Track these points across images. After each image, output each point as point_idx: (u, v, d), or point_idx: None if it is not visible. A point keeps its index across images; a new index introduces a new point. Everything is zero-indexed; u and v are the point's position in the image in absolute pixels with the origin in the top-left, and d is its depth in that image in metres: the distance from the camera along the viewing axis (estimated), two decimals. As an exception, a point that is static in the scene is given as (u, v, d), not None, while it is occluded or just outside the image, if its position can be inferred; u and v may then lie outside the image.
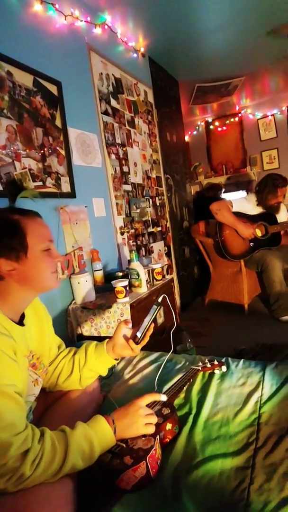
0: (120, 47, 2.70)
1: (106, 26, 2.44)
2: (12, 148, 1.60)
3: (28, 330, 0.92)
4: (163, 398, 0.94)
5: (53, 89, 1.90)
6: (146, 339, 1.00)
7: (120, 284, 1.76)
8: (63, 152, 1.94)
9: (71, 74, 2.08)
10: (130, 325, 1.05)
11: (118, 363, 1.38)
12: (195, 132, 5.61)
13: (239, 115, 5.23)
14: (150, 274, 2.10)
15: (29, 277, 0.84)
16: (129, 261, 1.97)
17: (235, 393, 1.10)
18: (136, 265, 1.93)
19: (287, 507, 0.69)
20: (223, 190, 4.79)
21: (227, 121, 5.32)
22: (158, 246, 3.06)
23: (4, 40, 1.61)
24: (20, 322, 0.88)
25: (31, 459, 0.67)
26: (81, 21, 2.17)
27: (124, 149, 2.62)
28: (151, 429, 0.84)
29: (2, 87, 1.58)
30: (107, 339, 1.07)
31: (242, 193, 4.56)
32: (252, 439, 0.89)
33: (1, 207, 0.87)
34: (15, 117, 1.64)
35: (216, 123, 5.39)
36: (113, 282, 1.80)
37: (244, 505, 0.71)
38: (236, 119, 5.26)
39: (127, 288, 1.79)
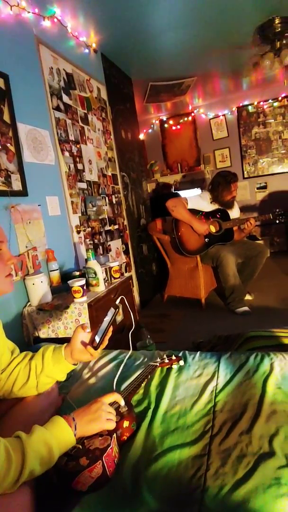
0: (71, 41, 2.64)
1: (55, 19, 2.38)
2: None
3: None
4: (123, 403, 0.94)
5: (0, 82, 1.81)
6: (105, 343, 0.99)
7: (77, 284, 1.73)
8: (12, 149, 1.86)
9: (19, 67, 2.00)
10: (88, 329, 1.03)
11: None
12: (150, 130, 5.66)
13: (192, 114, 5.36)
14: (108, 273, 2.09)
15: None
16: (86, 260, 1.94)
17: (192, 385, 1.13)
18: (93, 263, 1.91)
19: (240, 488, 0.72)
20: (173, 188, 5.01)
21: (181, 120, 5.43)
22: (115, 244, 3.05)
23: None
24: None
25: None
26: (28, 12, 2.09)
27: (78, 146, 2.57)
28: (112, 425, 0.84)
29: None
30: (65, 344, 1.04)
31: (196, 191, 4.69)
32: (208, 427, 0.92)
33: None
34: None
35: (171, 122, 5.48)
36: (69, 281, 1.76)
37: (201, 491, 0.74)
38: (190, 118, 5.39)
39: (85, 288, 1.77)
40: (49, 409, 1.04)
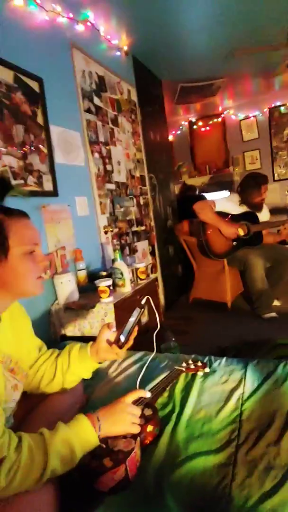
0: (103, 44, 2.67)
1: (88, 23, 2.42)
2: (-8, 145, 1.57)
3: (3, 334, 0.88)
4: (148, 394, 0.93)
5: (34, 85, 1.86)
6: (130, 342, 0.99)
7: (103, 284, 1.75)
8: (45, 150, 1.91)
9: (53, 70, 2.05)
10: (114, 328, 1.04)
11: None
12: (178, 132, 5.64)
13: (222, 115, 5.29)
14: (134, 273, 2.10)
15: (7, 281, 0.81)
16: (113, 261, 1.96)
17: (217, 391, 1.11)
18: (120, 264, 1.92)
19: (267, 501, 0.70)
20: (197, 191, 4.96)
21: (210, 122, 5.37)
22: (142, 245, 3.06)
23: (-17, 35, 1.57)
24: None
25: (6, 468, 0.65)
26: (63, 17, 2.14)
27: (107, 147, 2.60)
28: (136, 429, 0.83)
29: (-19, 82, 1.54)
30: (90, 342, 1.05)
31: (224, 193, 4.62)
32: (234, 436, 0.90)
33: None
34: (-5, 113, 1.60)
35: (200, 123, 5.44)
36: (96, 281, 1.78)
37: (226, 501, 0.72)
38: (219, 119, 5.32)
39: (111, 288, 1.78)
40: (74, 407, 1.06)
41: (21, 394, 0.94)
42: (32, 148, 1.82)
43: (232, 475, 0.78)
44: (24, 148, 1.76)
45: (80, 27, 2.33)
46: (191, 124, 5.52)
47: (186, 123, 5.55)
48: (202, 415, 1.01)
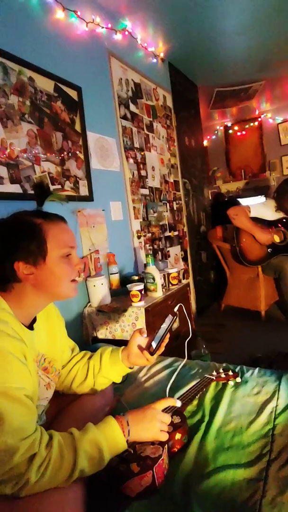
0: (140, 52, 2.72)
1: (126, 32, 2.47)
2: (32, 152, 1.64)
3: (38, 333, 0.91)
4: (178, 403, 0.92)
5: (73, 94, 1.93)
6: (161, 349, 0.99)
7: (135, 288, 1.76)
8: (81, 156, 1.97)
9: (91, 79, 2.12)
10: (145, 334, 1.04)
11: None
12: (213, 137, 5.58)
13: (259, 119, 5.17)
14: (166, 279, 2.09)
15: (45, 283, 0.83)
16: (145, 265, 1.97)
17: (249, 402, 1.08)
18: (152, 269, 1.93)
19: (301, 523, 0.67)
20: (226, 198, 4.92)
21: (247, 126, 5.27)
22: (174, 251, 3.05)
23: (27, 47, 1.65)
24: (30, 325, 0.88)
25: (37, 465, 0.66)
26: (102, 27, 2.20)
27: (142, 153, 2.63)
28: (165, 436, 0.83)
29: (24, 92, 1.62)
30: (122, 347, 1.06)
31: (260, 198, 4.50)
32: (265, 451, 0.87)
33: (28, 210, 0.87)
34: (36, 121, 1.68)
35: (235, 128, 5.35)
36: (128, 285, 1.80)
37: (256, 518, 0.70)
38: (256, 123, 5.20)
39: (143, 292, 1.79)
40: (104, 409, 1.07)
41: (53, 393, 0.97)
42: (70, 154, 1.88)
43: (263, 491, 0.76)
44: (62, 155, 1.82)
45: (118, 36, 2.38)
46: (226, 128, 5.45)
47: (222, 128, 5.48)
48: (232, 427, 0.98)
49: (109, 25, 2.28)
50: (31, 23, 1.72)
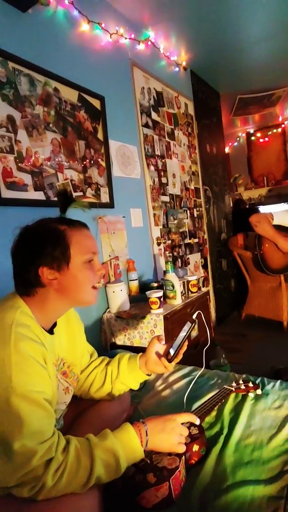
0: (162, 61, 2.75)
1: (149, 42, 2.51)
2: (56, 160, 1.68)
3: (58, 338, 0.92)
4: (197, 422, 0.91)
5: (96, 103, 1.97)
6: (180, 356, 0.98)
7: (154, 295, 1.76)
8: (103, 164, 2.00)
9: (114, 89, 2.15)
10: (163, 342, 1.03)
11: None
12: (235, 144, 5.54)
13: (282, 126, 5.10)
14: (185, 286, 2.08)
15: (68, 288, 0.85)
16: (165, 272, 1.97)
17: (270, 416, 1.05)
18: (171, 276, 1.92)
19: None
20: (247, 205, 4.82)
21: (269, 132, 5.20)
22: (194, 258, 3.03)
23: (53, 59, 1.70)
24: (51, 330, 0.89)
25: (53, 469, 0.67)
26: (126, 38, 2.25)
27: (163, 160, 2.64)
28: (182, 448, 0.82)
29: (49, 102, 1.67)
30: (140, 354, 1.06)
31: (283, 206, 4.41)
32: (287, 468, 0.84)
33: (52, 217, 0.89)
34: (60, 130, 1.72)
35: (258, 134, 5.29)
36: (147, 292, 1.80)
37: (276, 538, 0.67)
38: (279, 130, 5.13)
39: (162, 299, 1.79)
40: (121, 416, 1.07)
41: (72, 397, 0.98)
42: (92, 162, 1.91)
43: (284, 510, 0.73)
44: (84, 162, 1.86)
45: (141, 46, 2.42)
46: (249, 135, 5.39)
47: (244, 135, 5.44)
48: (252, 440, 0.95)
49: (132, 36, 2.32)
50: (57, 36, 1.77)
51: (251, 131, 5.35)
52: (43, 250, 0.82)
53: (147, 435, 0.80)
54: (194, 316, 0.99)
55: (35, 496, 0.65)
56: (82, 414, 1.02)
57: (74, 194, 1.78)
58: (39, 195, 1.59)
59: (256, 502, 0.76)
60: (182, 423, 0.85)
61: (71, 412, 1.01)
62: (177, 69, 2.94)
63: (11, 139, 1.47)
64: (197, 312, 1.02)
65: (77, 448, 0.72)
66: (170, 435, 0.81)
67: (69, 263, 0.84)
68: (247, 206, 4.98)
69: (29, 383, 0.71)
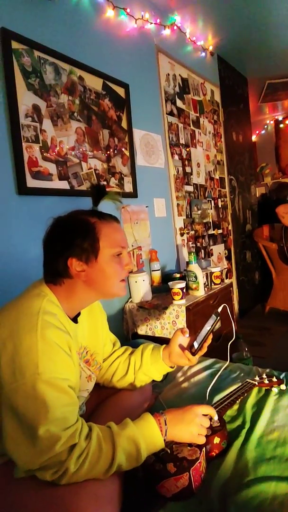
0: (188, 47, 2.67)
1: (175, 27, 2.44)
2: (80, 149, 1.68)
3: (81, 327, 0.93)
4: (216, 417, 0.90)
5: (120, 91, 1.95)
6: (204, 350, 0.97)
7: (177, 286, 1.75)
8: (127, 153, 1.98)
9: (138, 76, 2.12)
10: (187, 334, 1.02)
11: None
12: (263, 132, 5.35)
13: (314, 112, 4.87)
14: (208, 277, 2.05)
15: (95, 281, 0.85)
16: (188, 263, 1.94)
17: (294, 412, 1.02)
18: (194, 267, 1.90)
19: None
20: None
21: (300, 119, 4.98)
22: (218, 249, 2.98)
23: (78, 47, 1.69)
24: (75, 318, 0.90)
25: (76, 455, 0.68)
26: (151, 23, 2.19)
27: (187, 149, 2.59)
28: (202, 440, 0.81)
29: (74, 91, 1.66)
30: (164, 345, 1.05)
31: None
32: (312, 465, 0.82)
33: (84, 209, 0.89)
34: (84, 119, 1.71)
35: (287, 122, 5.08)
36: (170, 283, 1.79)
37: (299, 537, 0.66)
38: (310, 116, 4.91)
39: (184, 290, 1.77)
40: (142, 405, 1.07)
41: (94, 385, 0.99)
42: (116, 151, 1.90)
43: (308, 508, 0.71)
44: (108, 152, 1.85)
45: (166, 32, 2.36)
46: (277, 123, 5.19)
47: (272, 122, 5.24)
48: (275, 436, 0.93)
49: (158, 21, 2.26)
50: (82, 24, 1.75)
51: (280, 118, 5.15)
52: (72, 241, 0.82)
53: (166, 425, 0.79)
54: (219, 310, 0.97)
55: (57, 481, 0.67)
56: (104, 403, 1.04)
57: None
58: (64, 185, 1.60)
59: (278, 499, 0.74)
60: (203, 415, 0.84)
61: (93, 399, 1.03)
62: (203, 54, 2.85)
63: (36, 129, 1.48)
64: (222, 305, 1.00)
65: (99, 435, 0.73)
66: (189, 425, 0.80)
67: (97, 255, 0.84)
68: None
69: (54, 370, 0.72)
